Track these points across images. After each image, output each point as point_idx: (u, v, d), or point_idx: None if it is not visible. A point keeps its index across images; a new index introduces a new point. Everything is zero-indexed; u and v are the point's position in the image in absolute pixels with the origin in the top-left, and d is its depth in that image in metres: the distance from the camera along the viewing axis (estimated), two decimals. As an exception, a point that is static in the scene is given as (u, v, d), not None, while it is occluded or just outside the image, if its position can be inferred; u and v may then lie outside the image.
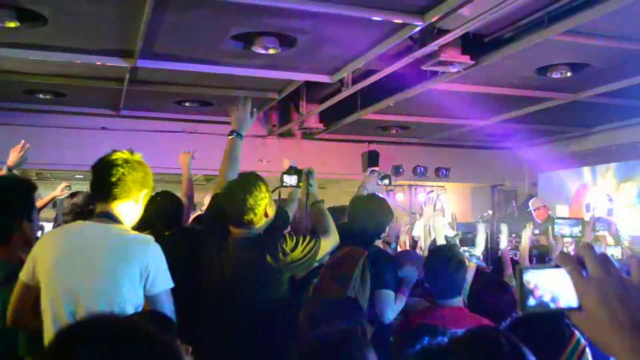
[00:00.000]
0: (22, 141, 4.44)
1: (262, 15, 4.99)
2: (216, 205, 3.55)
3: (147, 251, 2.65)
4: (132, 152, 2.79)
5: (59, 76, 7.20)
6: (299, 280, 4.02)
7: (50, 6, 4.91)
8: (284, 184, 4.08)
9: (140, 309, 2.61)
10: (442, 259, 3.48)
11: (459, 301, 3.45)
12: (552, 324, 2.32)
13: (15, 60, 6.35)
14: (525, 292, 1.05)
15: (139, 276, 2.58)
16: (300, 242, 3.32)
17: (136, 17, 4.97)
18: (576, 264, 1.05)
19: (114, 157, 2.72)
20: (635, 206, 9.46)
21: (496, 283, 4.21)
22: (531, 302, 1.05)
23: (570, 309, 1.04)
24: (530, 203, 9.09)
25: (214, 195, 3.65)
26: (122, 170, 2.67)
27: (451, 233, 8.20)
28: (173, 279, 2.71)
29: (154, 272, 2.62)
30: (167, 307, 2.68)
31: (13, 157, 4.34)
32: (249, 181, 3.31)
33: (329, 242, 3.47)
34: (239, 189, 3.29)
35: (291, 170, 4.06)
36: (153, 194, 4.48)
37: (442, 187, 12.44)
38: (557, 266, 1.06)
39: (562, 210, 10.77)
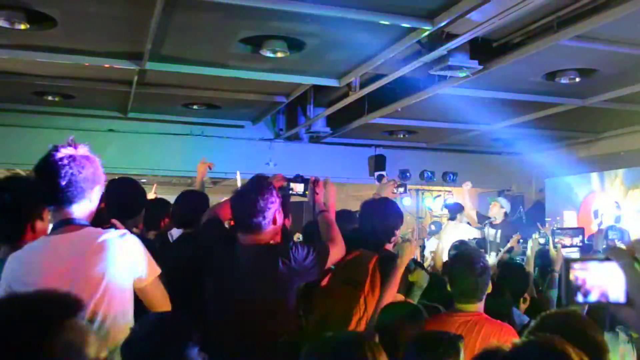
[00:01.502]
0: None
1: (271, 18, 5.00)
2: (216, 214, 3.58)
3: (126, 246, 2.58)
4: (74, 145, 2.58)
5: (68, 78, 7.22)
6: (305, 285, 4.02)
7: (59, 8, 4.93)
8: (290, 193, 4.06)
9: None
10: (469, 262, 3.45)
11: (479, 306, 3.42)
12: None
13: (24, 62, 6.38)
14: (573, 287, 1.02)
15: (127, 272, 2.55)
16: (311, 251, 3.31)
17: (145, 20, 4.98)
18: (630, 258, 1.02)
19: (59, 155, 2.52)
20: (644, 212, 9.42)
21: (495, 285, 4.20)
22: (579, 297, 1.02)
23: (618, 304, 1.01)
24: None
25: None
26: (70, 171, 2.50)
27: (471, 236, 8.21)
28: (177, 280, 2.70)
29: (140, 264, 2.59)
30: (160, 294, 2.67)
31: None
32: (261, 183, 3.31)
33: (336, 252, 3.46)
34: (251, 189, 3.28)
35: (298, 179, 4.05)
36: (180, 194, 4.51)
37: (449, 191, 12.43)
38: (605, 259, 1.03)
39: (569, 216, 10.74)
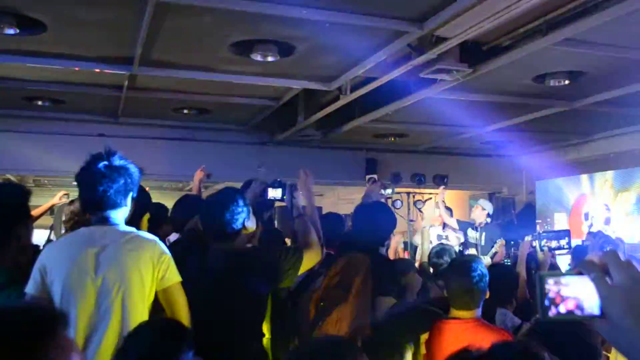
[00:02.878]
0: None
1: (261, 22, 5.00)
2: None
3: (153, 248, 2.77)
4: (110, 153, 2.84)
5: (58, 83, 7.20)
6: (295, 288, 4.04)
7: (49, 13, 4.92)
8: (268, 198, 4.08)
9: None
10: (465, 270, 3.43)
11: (476, 312, 3.41)
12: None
13: (14, 66, 6.36)
14: (547, 301, 1.03)
15: (150, 272, 2.71)
16: (283, 256, 3.34)
17: (136, 25, 4.98)
18: (600, 271, 1.03)
19: (96, 168, 2.78)
20: (632, 214, 9.47)
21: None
22: (553, 310, 1.03)
23: (593, 317, 1.02)
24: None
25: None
26: (106, 184, 2.76)
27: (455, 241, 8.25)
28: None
29: (164, 266, 2.75)
30: (181, 301, 2.79)
31: None
32: (227, 195, 3.35)
33: (311, 256, 3.47)
34: (216, 203, 3.36)
35: (275, 184, 4.07)
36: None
37: (440, 194, 12.43)
38: (579, 273, 1.04)
39: (560, 218, 10.78)
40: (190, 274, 3.32)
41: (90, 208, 2.86)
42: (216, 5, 4.53)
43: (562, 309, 1.03)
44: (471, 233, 8.51)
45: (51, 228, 6.76)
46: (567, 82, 6.49)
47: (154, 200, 5.43)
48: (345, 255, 3.67)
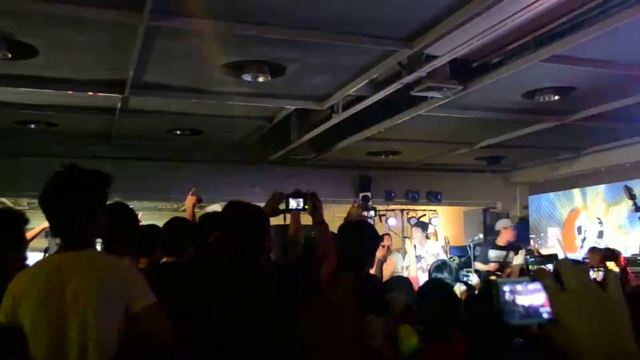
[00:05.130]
0: None
1: (252, 44, 5.04)
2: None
3: (120, 269, 2.65)
4: (65, 174, 2.71)
5: (51, 106, 7.20)
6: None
7: (41, 38, 4.94)
8: (290, 208, 4.05)
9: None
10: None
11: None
12: None
13: (6, 90, 6.36)
14: (503, 307, 1.06)
15: (118, 296, 2.57)
16: (301, 269, 3.36)
17: (127, 48, 5.00)
18: (552, 278, 1.06)
19: (51, 193, 2.68)
20: (624, 227, 9.51)
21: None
22: (509, 316, 1.06)
23: (545, 322, 1.05)
24: (498, 223, 9.00)
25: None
26: (65, 209, 2.65)
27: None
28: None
29: (132, 288, 2.60)
30: (157, 322, 2.65)
31: None
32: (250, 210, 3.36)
33: (327, 267, 3.52)
34: (240, 217, 3.33)
35: (296, 194, 4.05)
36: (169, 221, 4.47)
37: (434, 210, 12.47)
38: (534, 280, 1.08)
39: (553, 232, 10.81)
40: (207, 289, 3.31)
41: (57, 233, 2.73)
42: (207, 28, 4.56)
43: (516, 314, 1.06)
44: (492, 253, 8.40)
45: (45, 251, 6.75)
46: (556, 97, 6.54)
47: (148, 222, 5.43)
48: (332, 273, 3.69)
